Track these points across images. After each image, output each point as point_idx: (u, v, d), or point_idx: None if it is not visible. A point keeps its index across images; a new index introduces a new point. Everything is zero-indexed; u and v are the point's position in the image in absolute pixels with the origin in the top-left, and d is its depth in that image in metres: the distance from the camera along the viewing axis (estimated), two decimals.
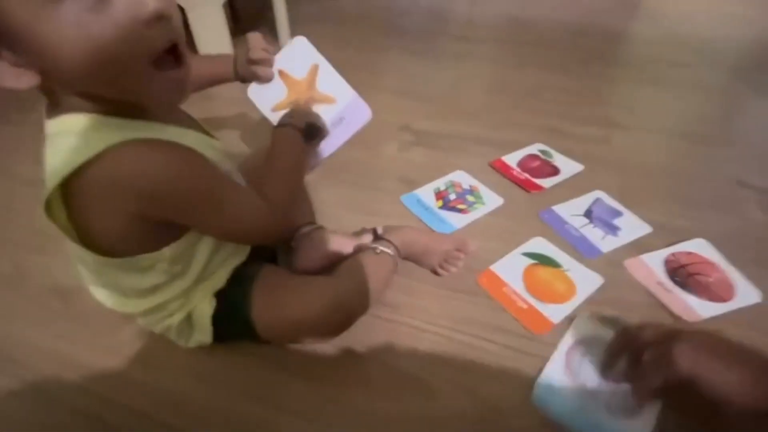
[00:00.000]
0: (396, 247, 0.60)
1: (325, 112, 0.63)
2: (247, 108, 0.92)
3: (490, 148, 0.92)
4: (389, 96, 1.14)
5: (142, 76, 0.33)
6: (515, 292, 0.62)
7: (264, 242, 0.54)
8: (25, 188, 0.78)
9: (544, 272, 0.65)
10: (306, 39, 0.65)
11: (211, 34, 1.18)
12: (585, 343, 0.54)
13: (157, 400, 0.50)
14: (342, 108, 0.64)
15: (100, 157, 0.33)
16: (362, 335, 0.55)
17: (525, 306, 0.60)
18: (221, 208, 0.42)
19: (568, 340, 0.55)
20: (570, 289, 0.62)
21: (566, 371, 0.51)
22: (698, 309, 0.60)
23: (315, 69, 0.64)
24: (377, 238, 0.62)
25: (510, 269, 0.65)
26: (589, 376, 0.50)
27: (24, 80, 0.32)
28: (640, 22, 1.76)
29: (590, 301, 0.60)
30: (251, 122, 0.97)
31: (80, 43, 0.30)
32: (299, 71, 0.63)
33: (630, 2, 2.01)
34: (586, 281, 0.63)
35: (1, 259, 0.66)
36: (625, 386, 0.46)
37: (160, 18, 0.31)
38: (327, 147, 0.65)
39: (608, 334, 0.51)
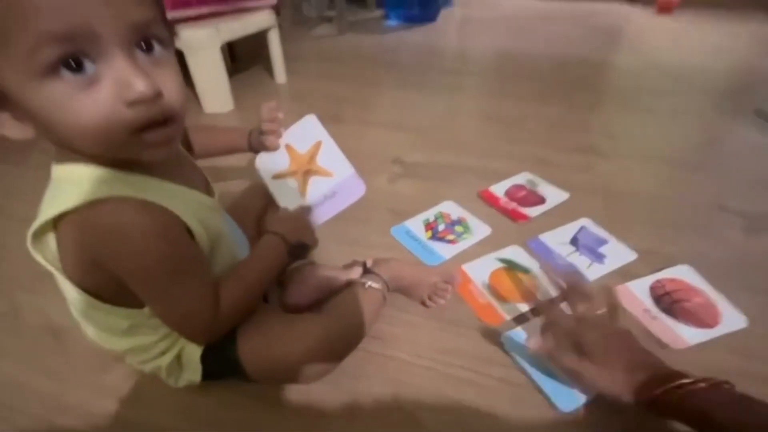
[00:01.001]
0: (385, 281, 0.61)
1: (321, 185, 0.68)
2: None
3: (478, 178, 0.94)
4: (380, 129, 1.18)
5: (124, 143, 0.34)
6: (478, 289, 0.68)
7: (190, 340, 0.49)
8: (21, 227, 0.78)
9: (510, 275, 0.70)
10: (315, 117, 0.70)
11: (209, 75, 1.23)
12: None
13: None
14: (338, 183, 0.69)
15: (86, 206, 0.35)
16: (350, 369, 0.55)
17: (483, 302, 0.66)
18: (167, 292, 0.41)
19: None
20: (530, 293, 0.67)
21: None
22: (685, 336, 0.60)
23: (318, 144, 0.69)
24: (366, 271, 0.63)
25: (480, 269, 0.71)
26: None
27: (22, 132, 0.34)
28: (622, 53, 1.84)
29: None
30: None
31: (65, 118, 0.31)
32: (305, 146, 0.68)
33: (613, 34, 2.10)
34: (548, 287, 0.66)
35: None
36: None
37: (145, 101, 0.32)
38: (315, 218, 0.68)
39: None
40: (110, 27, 0.30)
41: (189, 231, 0.42)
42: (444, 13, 2.38)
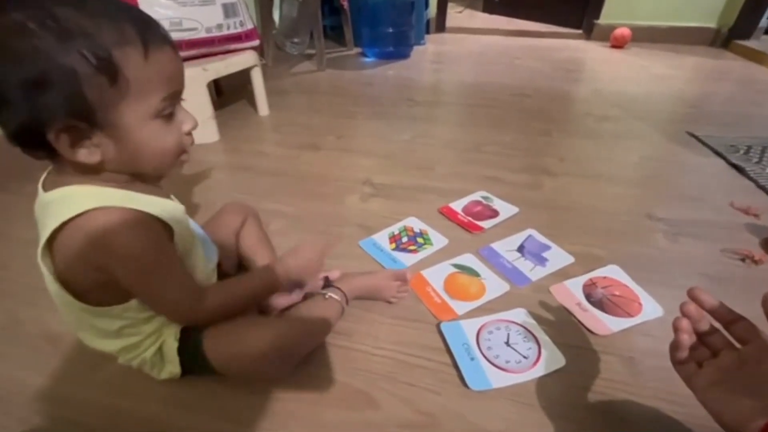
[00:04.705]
0: (344, 293, 0.69)
1: None
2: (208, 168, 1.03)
3: (439, 196, 1.05)
4: (353, 155, 1.29)
5: (174, 162, 0.49)
6: (434, 290, 0.77)
7: (175, 321, 0.57)
8: (20, 249, 0.87)
9: (462, 278, 0.80)
10: None
11: (196, 110, 1.31)
12: (496, 324, 0.70)
13: (138, 426, 0.56)
14: None
15: (82, 216, 0.41)
16: (319, 360, 0.63)
17: (439, 300, 0.75)
18: (154, 283, 0.49)
19: (485, 319, 0.71)
20: (480, 292, 0.77)
21: (473, 333, 0.68)
22: (609, 324, 0.70)
23: None
24: (327, 285, 0.71)
25: (436, 274, 0.81)
26: (488, 342, 0.67)
27: (93, 157, 0.42)
28: (575, 84, 2.02)
29: (494, 302, 0.75)
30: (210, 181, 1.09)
31: (155, 144, 0.45)
32: None
33: (569, 67, 2.30)
34: (495, 288, 0.78)
35: None
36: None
37: (194, 128, 0.49)
38: None
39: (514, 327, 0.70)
40: (183, 88, 0.47)
41: (169, 232, 0.49)
42: (417, 50, 2.57)
